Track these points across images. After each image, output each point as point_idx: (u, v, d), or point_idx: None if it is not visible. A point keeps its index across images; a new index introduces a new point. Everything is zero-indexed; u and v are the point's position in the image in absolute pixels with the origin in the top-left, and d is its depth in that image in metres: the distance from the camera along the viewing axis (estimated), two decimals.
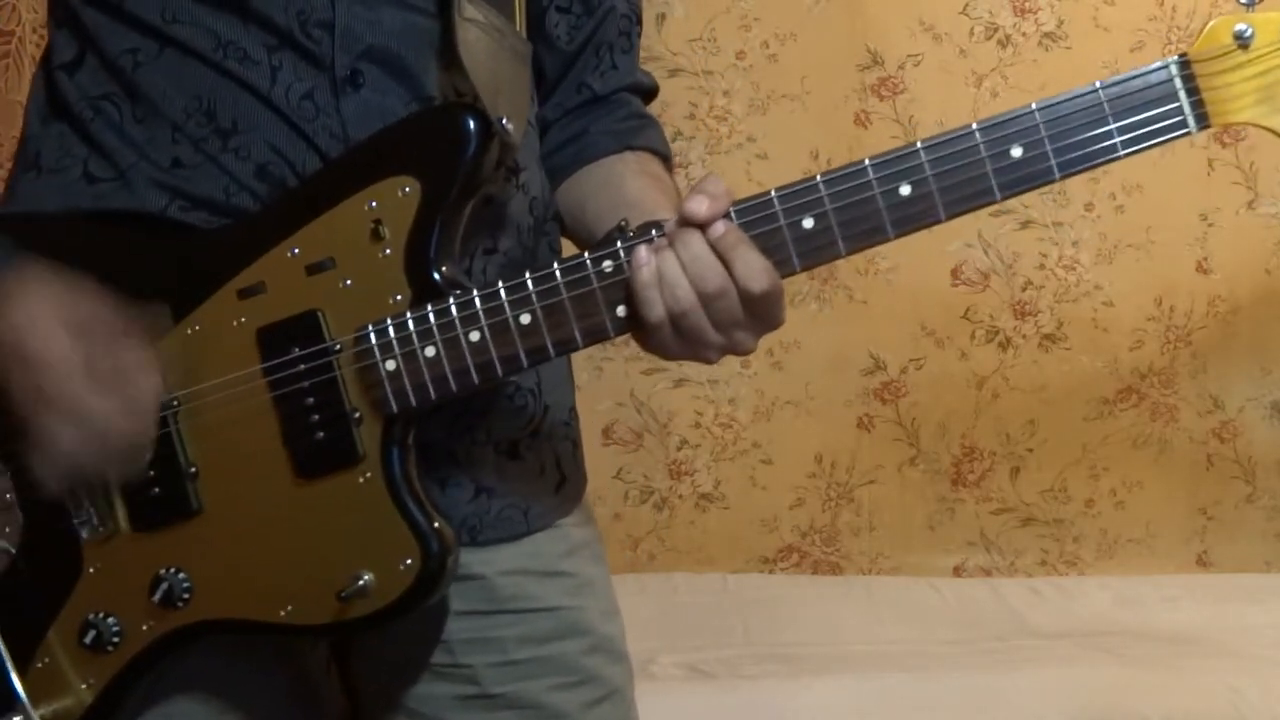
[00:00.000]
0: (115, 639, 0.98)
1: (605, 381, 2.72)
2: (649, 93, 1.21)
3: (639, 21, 1.18)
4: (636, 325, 0.93)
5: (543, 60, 1.13)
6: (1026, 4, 2.69)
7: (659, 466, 2.79)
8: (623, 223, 0.94)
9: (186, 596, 0.97)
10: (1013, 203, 2.72)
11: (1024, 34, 2.70)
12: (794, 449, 2.79)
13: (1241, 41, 0.88)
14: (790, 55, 2.72)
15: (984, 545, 2.81)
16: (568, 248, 1.13)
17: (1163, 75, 0.89)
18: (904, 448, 2.80)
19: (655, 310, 0.91)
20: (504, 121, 0.98)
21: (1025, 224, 2.73)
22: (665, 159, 1.18)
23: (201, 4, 0.99)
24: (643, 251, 0.91)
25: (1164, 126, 0.89)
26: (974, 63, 2.70)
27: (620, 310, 0.93)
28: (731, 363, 2.75)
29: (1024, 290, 2.75)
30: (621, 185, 1.11)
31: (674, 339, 0.92)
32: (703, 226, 0.91)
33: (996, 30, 2.70)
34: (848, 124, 2.73)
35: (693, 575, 2.74)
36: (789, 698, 2.14)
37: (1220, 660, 2.24)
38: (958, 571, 2.81)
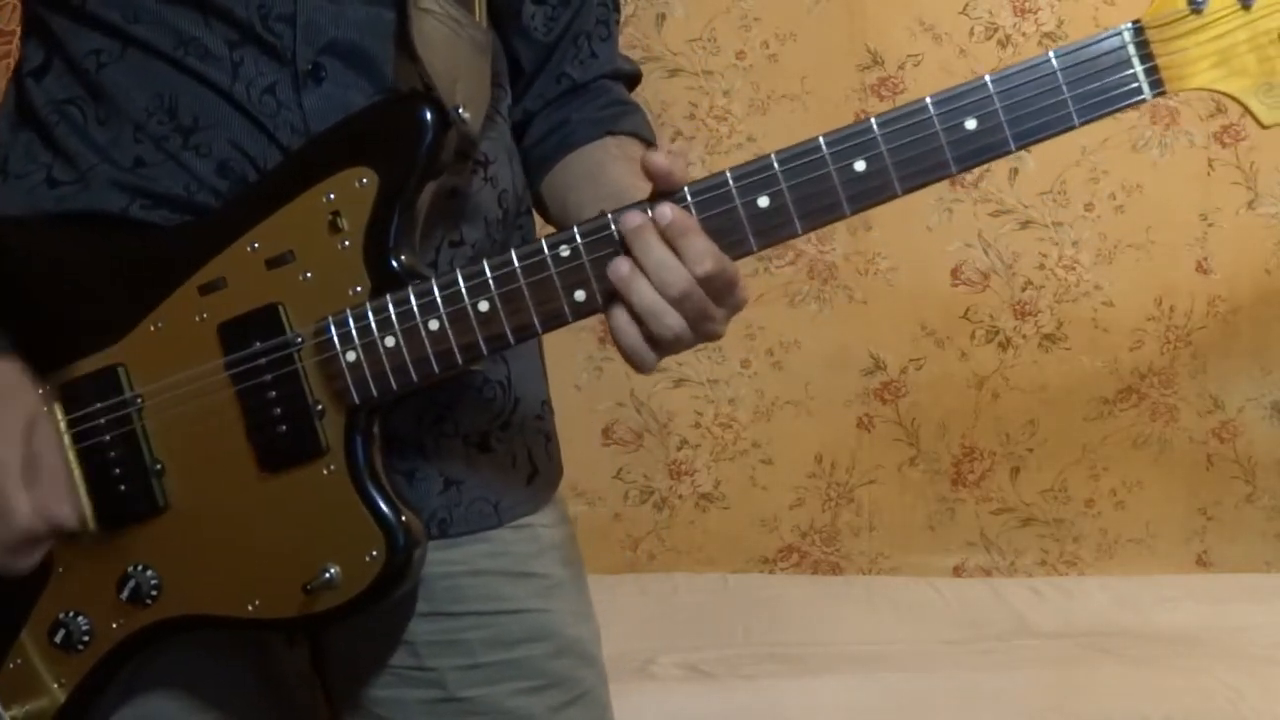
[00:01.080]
0: (85, 638, 0.99)
1: (605, 381, 2.72)
2: (630, 78, 1.20)
3: (618, 9, 1.18)
4: (594, 311, 0.93)
5: (521, 53, 1.13)
6: (1026, 4, 2.69)
7: (659, 466, 2.79)
8: (600, 214, 0.93)
9: (155, 593, 0.98)
10: (1012, 202, 2.72)
11: (1024, 34, 2.70)
12: (794, 449, 2.79)
13: (1195, 6, 0.87)
14: (790, 55, 2.72)
15: (984, 545, 2.81)
16: None
17: (1116, 42, 0.88)
18: (904, 448, 2.80)
19: (632, 340, 0.92)
20: (460, 110, 0.98)
21: (1025, 224, 2.74)
22: (649, 144, 1.17)
23: (162, 2, 0.98)
24: (609, 294, 0.91)
25: (1119, 94, 0.88)
26: (974, 63, 2.70)
27: (579, 295, 0.92)
28: (731, 362, 2.75)
29: (1024, 290, 2.75)
30: (601, 173, 1.11)
31: (648, 344, 0.92)
32: (660, 200, 0.91)
33: (996, 30, 2.70)
34: (848, 124, 2.72)
35: (693, 575, 2.74)
36: (789, 698, 2.14)
37: (1220, 660, 2.24)
38: (958, 571, 2.81)
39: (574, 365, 2.69)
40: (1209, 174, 2.71)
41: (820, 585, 2.72)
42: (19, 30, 1.09)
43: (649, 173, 0.91)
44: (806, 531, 2.82)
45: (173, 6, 0.98)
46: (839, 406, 2.78)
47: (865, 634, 2.46)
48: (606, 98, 1.17)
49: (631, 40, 2.65)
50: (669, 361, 2.68)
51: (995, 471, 2.80)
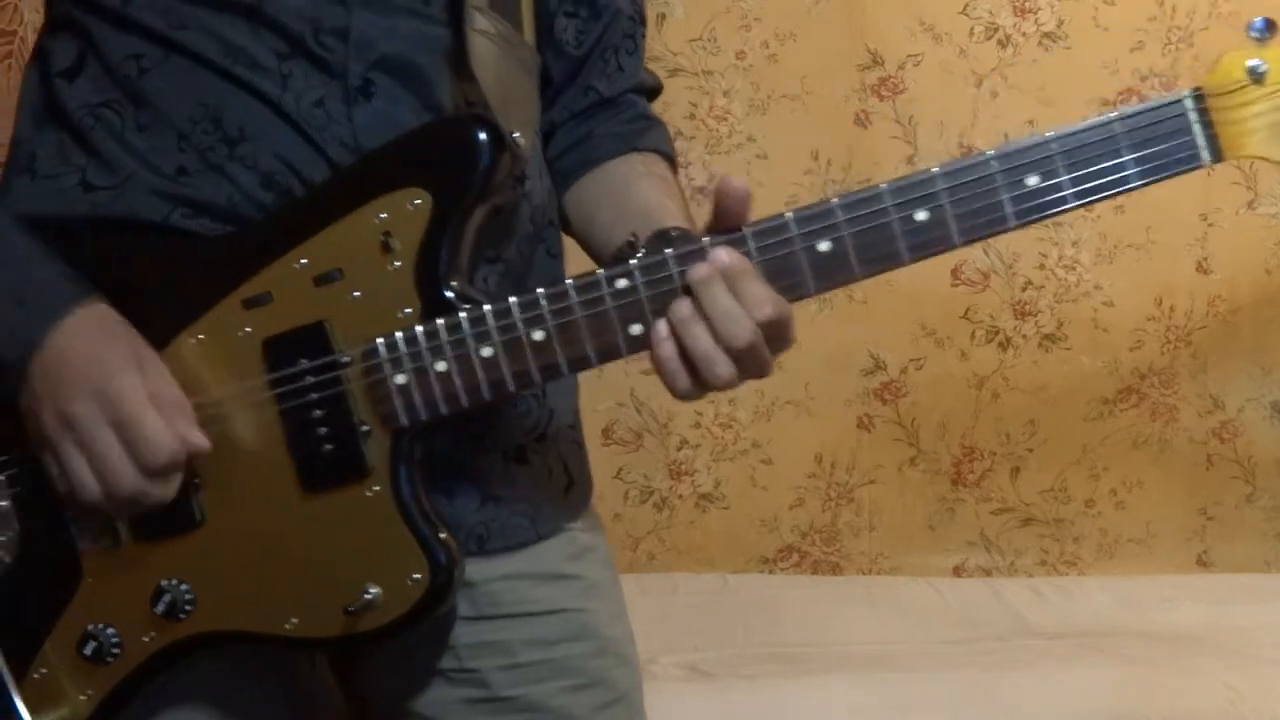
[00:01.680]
0: (115, 650, 0.97)
1: (605, 381, 2.72)
2: (653, 92, 1.20)
3: (643, 22, 1.18)
4: (649, 347, 0.92)
5: (551, 65, 1.12)
6: (1026, 4, 2.69)
7: (659, 466, 2.79)
8: (632, 238, 0.93)
9: (189, 608, 0.96)
10: None
11: (1024, 34, 2.69)
12: (794, 449, 2.79)
13: (1255, 76, 0.89)
14: (790, 55, 2.72)
15: (984, 545, 2.81)
16: (570, 248, 1.13)
17: (1177, 109, 0.89)
18: (904, 448, 2.80)
19: (680, 382, 0.92)
20: (515, 135, 0.97)
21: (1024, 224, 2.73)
22: (670, 159, 1.17)
23: (209, 10, 0.97)
24: (661, 328, 0.91)
25: (1178, 159, 0.89)
26: (974, 63, 2.70)
27: (634, 329, 0.92)
28: None
29: (1024, 290, 2.75)
30: (628, 190, 1.10)
31: (685, 377, 0.92)
32: (716, 239, 0.91)
33: (996, 30, 2.70)
34: (848, 124, 2.72)
35: (693, 575, 2.74)
36: (789, 698, 2.14)
37: (1220, 660, 2.24)
38: (958, 571, 2.81)
39: None
40: (1209, 174, 2.70)
41: (820, 585, 2.72)
42: (43, 27, 1.06)
43: (729, 193, 0.90)
44: (806, 531, 2.82)
45: (220, 15, 0.97)
46: (839, 406, 2.78)
47: (865, 634, 2.46)
48: (632, 112, 1.16)
49: None
50: None
51: (995, 471, 2.80)
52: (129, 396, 0.91)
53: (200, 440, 0.93)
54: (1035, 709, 2.10)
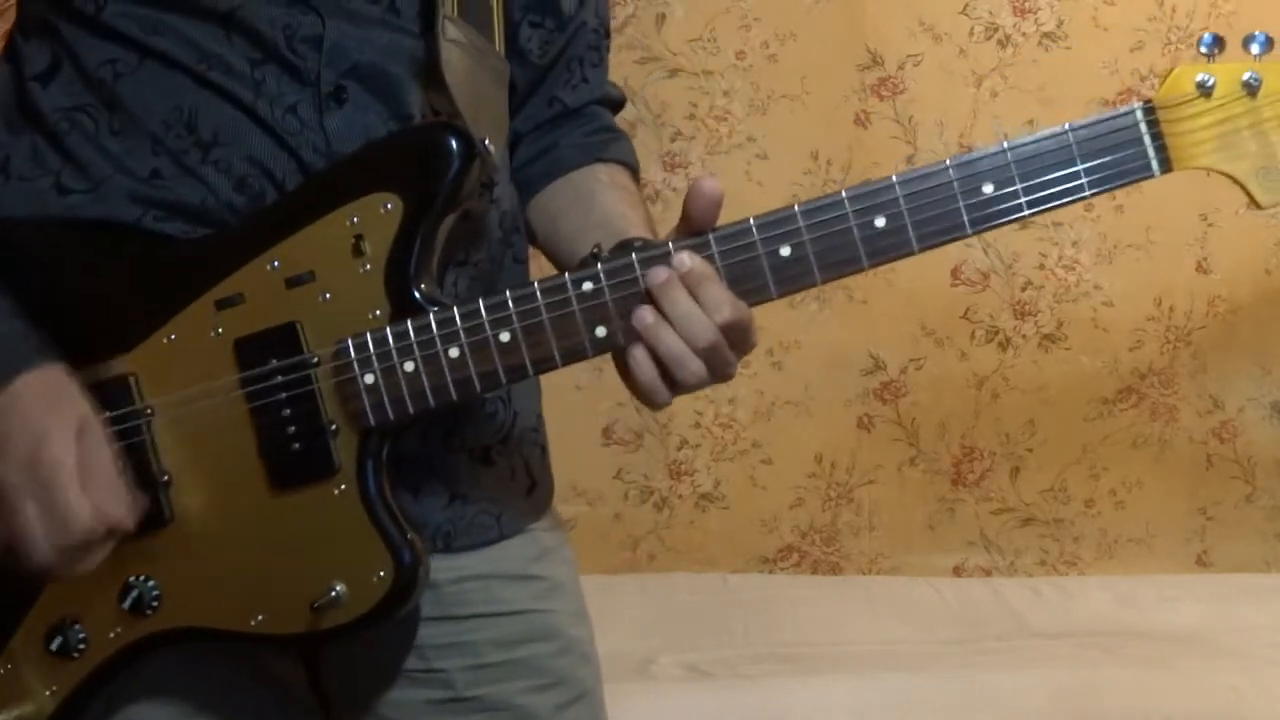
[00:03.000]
0: (81, 645, 0.98)
1: (605, 381, 2.72)
2: (617, 105, 1.22)
3: (608, 35, 1.20)
4: (614, 347, 0.95)
5: (514, 74, 1.13)
6: (1026, 4, 2.69)
7: (659, 466, 2.79)
8: (596, 248, 0.95)
9: (155, 604, 0.97)
10: None
11: (1024, 34, 2.70)
12: (794, 449, 2.79)
13: (1204, 90, 0.92)
14: (790, 55, 2.72)
15: (984, 545, 2.81)
16: (535, 259, 1.14)
17: (1129, 120, 0.92)
18: (904, 448, 2.80)
19: (660, 396, 0.94)
20: (485, 142, 0.98)
21: (1025, 224, 2.73)
22: (633, 170, 1.19)
23: (183, 16, 0.98)
24: (634, 342, 0.93)
25: (1129, 169, 0.93)
26: (974, 63, 2.70)
27: (599, 331, 0.94)
28: None
29: (1024, 290, 2.75)
30: (593, 200, 1.12)
31: (666, 385, 0.94)
32: (681, 244, 0.93)
33: (996, 30, 2.70)
34: (848, 124, 2.72)
35: (693, 575, 2.73)
36: (789, 698, 2.14)
37: (1220, 660, 2.24)
38: (958, 571, 2.81)
39: (574, 366, 2.69)
40: (1208, 174, 2.70)
41: (820, 585, 2.72)
42: (13, 26, 1.07)
43: (700, 195, 0.93)
44: (806, 531, 2.82)
45: (194, 21, 0.98)
46: (839, 406, 2.78)
47: (865, 634, 2.46)
48: (596, 123, 1.18)
49: (631, 40, 2.65)
50: None
51: (995, 471, 2.80)
52: (55, 470, 0.92)
53: (120, 516, 0.93)
54: (1035, 709, 2.10)
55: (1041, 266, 2.74)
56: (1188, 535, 2.80)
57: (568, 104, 1.16)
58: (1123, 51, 2.67)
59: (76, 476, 0.92)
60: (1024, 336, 2.76)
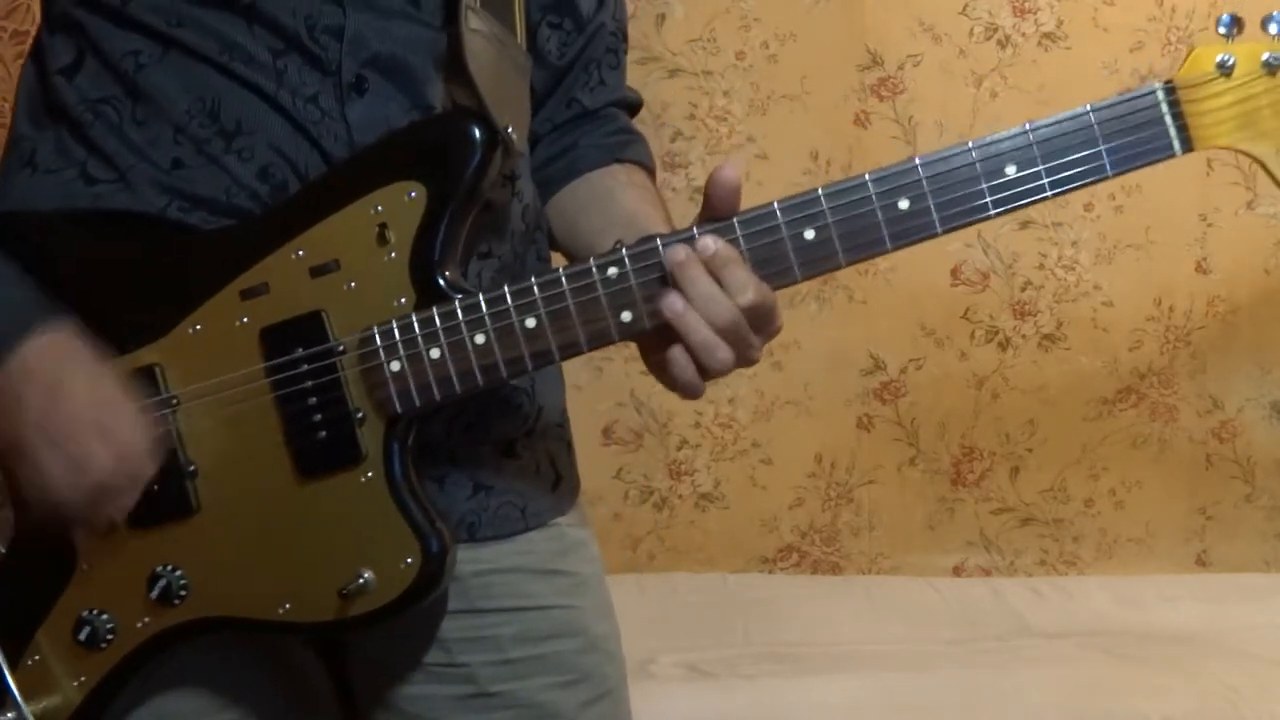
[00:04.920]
0: (109, 635, 0.99)
1: (605, 381, 2.72)
2: (634, 107, 1.23)
3: (625, 38, 1.21)
4: (640, 332, 0.95)
5: (533, 75, 1.13)
6: (1026, 4, 2.69)
7: (659, 466, 2.79)
8: (617, 244, 0.96)
9: (183, 593, 0.98)
10: None
11: (1024, 34, 2.70)
12: (794, 449, 2.79)
13: (1224, 70, 0.92)
14: (790, 55, 2.72)
15: (984, 545, 2.81)
16: (557, 260, 1.14)
17: (1150, 100, 0.93)
18: (904, 448, 2.80)
19: (689, 376, 0.94)
20: (509, 130, 0.99)
21: (1025, 224, 2.74)
22: (651, 172, 1.20)
23: (205, 8, 0.99)
24: (678, 353, 0.93)
25: (1150, 149, 0.93)
26: (974, 63, 2.70)
27: (625, 316, 0.94)
28: None
29: (1023, 290, 2.75)
30: (612, 199, 1.13)
31: (690, 367, 0.94)
32: (705, 227, 0.94)
33: (996, 30, 2.70)
34: (848, 124, 2.73)
35: (693, 575, 2.74)
36: (789, 698, 2.14)
37: (1219, 660, 2.24)
38: (957, 571, 2.81)
39: (574, 365, 2.67)
40: (1208, 174, 2.71)
41: (820, 585, 2.72)
42: (40, 25, 1.08)
43: (720, 183, 0.93)
44: (806, 531, 2.82)
45: (216, 12, 0.99)
46: (839, 406, 2.78)
47: (865, 634, 2.46)
48: (613, 125, 1.19)
49: (631, 40, 2.63)
50: None
51: (995, 471, 2.80)
52: (72, 422, 0.93)
53: (144, 466, 0.95)
54: (1035, 709, 2.10)
55: (1041, 266, 2.74)
56: (1187, 535, 2.80)
57: (586, 105, 1.17)
58: (1123, 52, 2.67)
59: (94, 426, 0.93)
60: (1024, 336, 2.76)
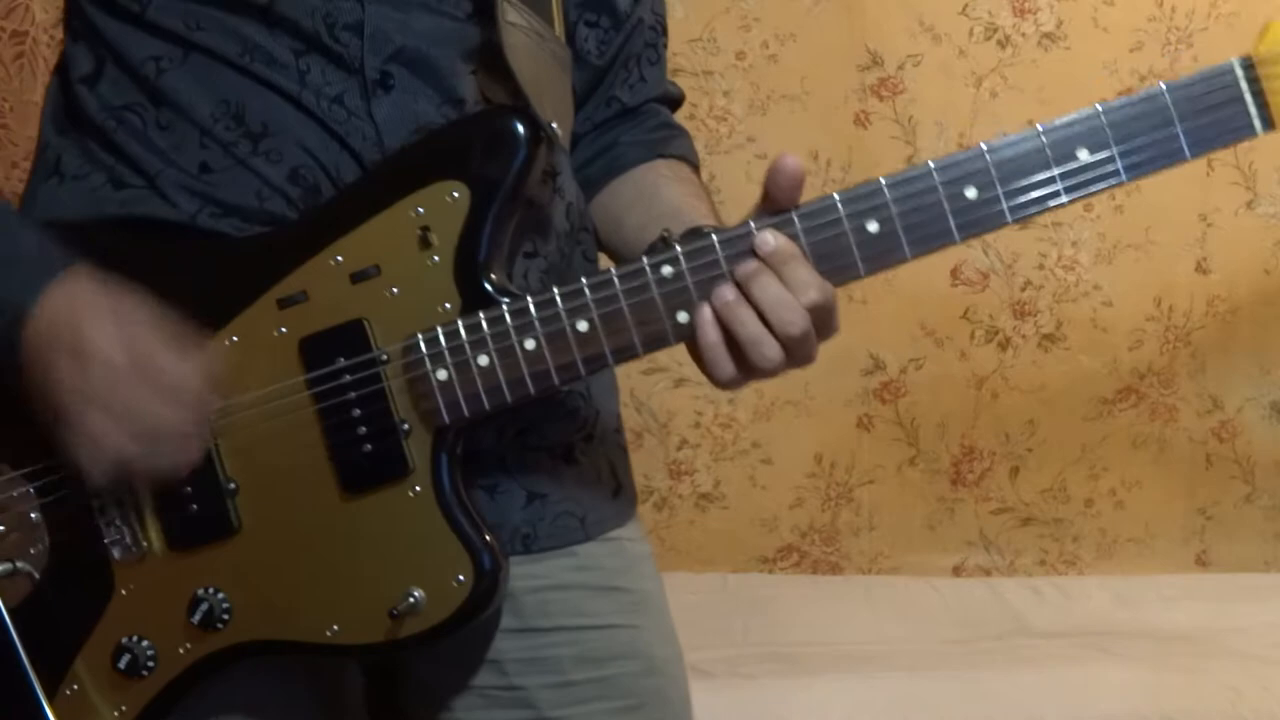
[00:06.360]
0: (150, 663, 0.95)
1: None
2: (676, 102, 1.20)
3: (665, 32, 1.18)
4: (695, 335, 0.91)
5: (573, 75, 1.10)
6: (1026, 4, 2.69)
7: (659, 466, 2.79)
8: (665, 233, 0.92)
9: (226, 617, 0.94)
10: None
11: (1024, 34, 2.70)
12: (794, 449, 2.79)
13: None
14: (790, 55, 2.72)
15: (983, 545, 2.81)
16: (604, 263, 1.11)
17: (1228, 79, 0.88)
18: (904, 448, 2.80)
19: (724, 369, 0.90)
20: (552, 125, 0.96)
21: (1025, 224, 2.73)
22: (695, 167, 1.16)
23: (224, 11, 0.96)
24: (706, 313, 0.89)
25: (1230, 128, 0.88)
26: (974, 63, 2.70)
27: (681, 317, 0.90)
28: None
29: (1023, 290, 2.75)
30: (657, 194, 1.09)
31: (741, 371, 0.90)
32: (764, 221, 0.89)
33: (996, 30, 2.70)
34: (848, 124, 2.72)
35: (693, 575, 2.74)
36: (789, 698, 2.14)
37: (1219, 660, 2.25)
38: (957, 571, 2.81)
39: None
40: (1208, 174, 2.71)
41: (820, 585, 2.72)
42: (63, 37, 1.06)
43: (783, 170, 0.88)
44: (806, 531, 2.82)
45: (235, 15, 0.96)
46: (839, 406, 2.78)
47: (865, 634, 2.46)
48: (655, 120, 1.16)
49: None
50: (669, 361, 2.69)
51: (995, 471, 2.80)
52: (107, 372, 0.88)
53: (185, 399, 0.90)
54: (1035, 709, 2.11)
55: (1041, 266, 2.74)
56: (1187, 535, 2.80)
57: (626, 102, 1.14)
58: (1122, 52, 2.67)
59: (135, 375, 0.88)
60: (1024, 336, 2.76)
